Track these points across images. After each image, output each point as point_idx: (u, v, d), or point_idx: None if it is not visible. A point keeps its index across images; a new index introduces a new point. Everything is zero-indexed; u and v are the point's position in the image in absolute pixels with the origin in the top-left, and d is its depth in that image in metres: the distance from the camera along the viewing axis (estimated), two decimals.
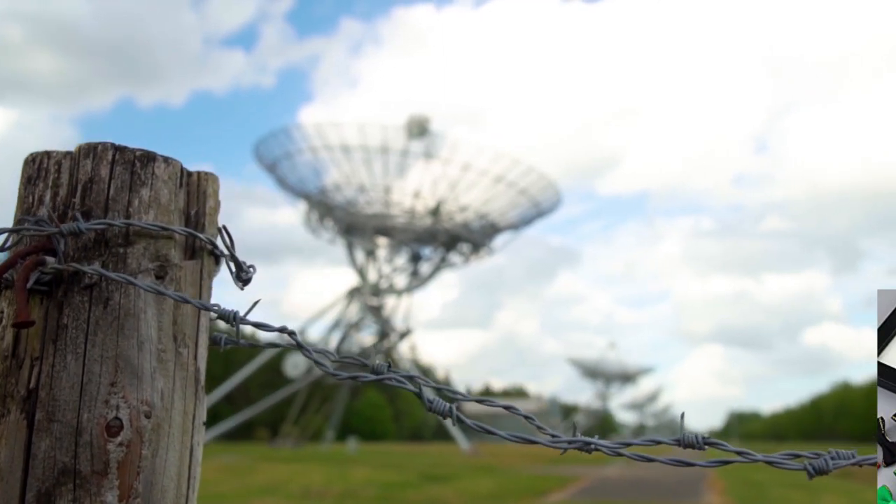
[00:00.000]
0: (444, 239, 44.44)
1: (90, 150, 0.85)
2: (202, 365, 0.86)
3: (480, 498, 15.14)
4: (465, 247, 45.66)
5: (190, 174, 0.89)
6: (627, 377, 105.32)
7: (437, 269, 46.06)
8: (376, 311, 46.08)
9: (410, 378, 0.79)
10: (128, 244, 0.82)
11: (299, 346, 0.79)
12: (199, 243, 0.86)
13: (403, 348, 53.60)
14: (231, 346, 0.90)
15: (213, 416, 55.36)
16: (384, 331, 46.39)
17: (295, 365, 43.50)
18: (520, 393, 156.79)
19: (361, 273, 45.78)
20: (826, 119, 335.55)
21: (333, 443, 53.26)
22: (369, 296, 45.55)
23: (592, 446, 0.70)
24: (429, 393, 0.82)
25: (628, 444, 0.70)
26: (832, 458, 0.67)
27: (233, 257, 0.85)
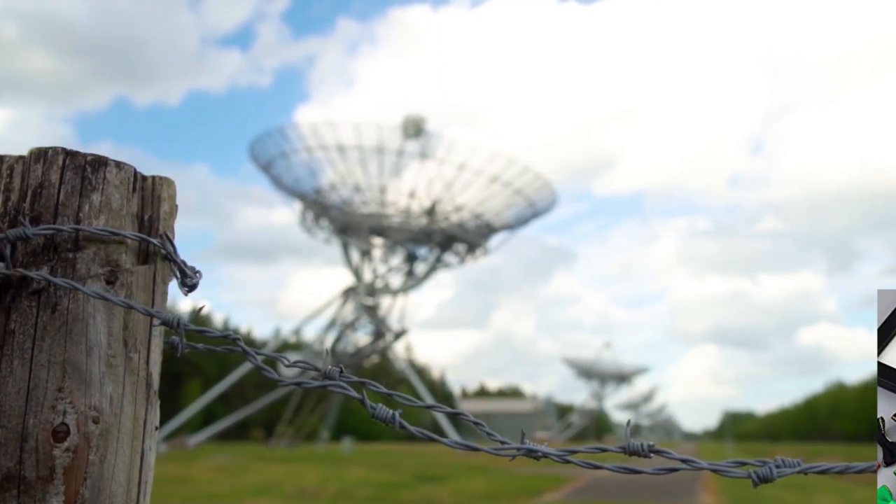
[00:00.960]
0: (440, 239, 44.45)
1: (41, 155, 0.85)
2: (155, 370, 0.86)
3: (475, 498, 15.16)
4: (460, 247, 45.67)
5: (145, 178, 0.89)
6: (623, 377, 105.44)
7: (432, 269, 46.06)
8: (372, 311, 46.05)
9: (362, 384, 0.79)
10: (77, 249, 0.82)
11: (245, 352, 0.78)
12: (153, 248, 0.86)
13: (399, 348, 53.62)
14: (189, 351, 0.90)
15: (209, 416, 55.30)
16: (379, 331, 46.36)
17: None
18: (515, 393, 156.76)
19: (357, 273, 45.76)
20: (822, 120, 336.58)
21: (328, 443, 53.25)
22: (364, 296, 45.52)
23: (539, 454, 0.70)
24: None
25: (574, 452, 0.70)
26: (777, 467, 0.67)
27: (175, 263, 0.84)
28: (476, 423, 0.74)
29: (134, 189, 0.87)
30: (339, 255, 46.49)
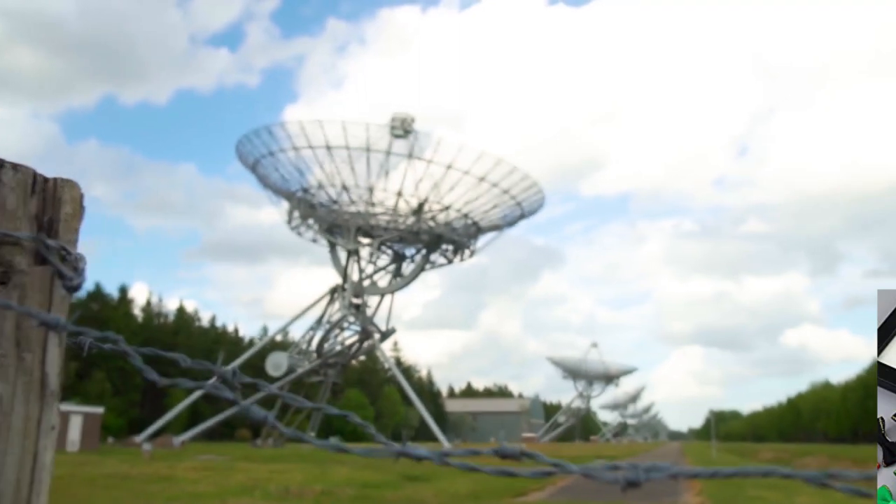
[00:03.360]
0: (427, 238, 44.37)
1: None
2: (52, 370, 0.86)
3: (459, 498, 15.17)
4: (447, 247, 45.60)
5: (46, 180, 0.90)
6: (609, 377, 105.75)
7: (419, 269, 46.00)
8: (359, 310, 45.94)
9: (253, 385, 0.80)
10: None
11: (125, 354, 0.79)
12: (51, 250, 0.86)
13: (386, 348, 53.51)
14: (96, 351, 0.90)
15: (195, 415, 55.04)
16: (366, 330, 46.24)
17: (276, 364, 43.28)
18: (503, 392, 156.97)
19: (344, 272, 45.64)
20: (807, 124, 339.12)
21: None
22: (352, 295, 45.41)
23: (415, 455, 0.71)
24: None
25: (449, 455, 0.72)
26: (646, 471, 0.69)
27: (53, 264, 0.85)
28: (361, 424, 0.75)
29: (33, 191, 0.88)
30: (327, 254, 46.41)
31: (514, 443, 0.71)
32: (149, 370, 0.77)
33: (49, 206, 0.88)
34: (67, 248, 0.86)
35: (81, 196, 0.92)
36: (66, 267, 0.82)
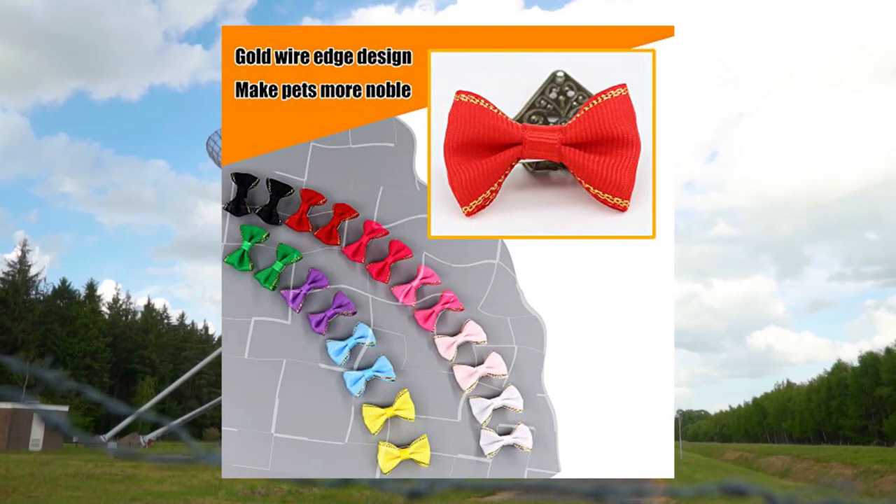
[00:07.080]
0: None
1: None
2: None
3: (428, 498, 15.14)
4: None
5: None
6: None
7: None
8: None
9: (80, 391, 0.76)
10: None
11: None
12: None
13: None
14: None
15: (162, 414, 54.39)
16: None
17: None
18: None
19: None
20: (773, 131, 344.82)
21: None
22: None
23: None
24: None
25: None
26: (430, 484, 0.69)
27: None
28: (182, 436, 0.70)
29: None
30: None
31: None
32: None
33: None
34: None
35: None
36: None
